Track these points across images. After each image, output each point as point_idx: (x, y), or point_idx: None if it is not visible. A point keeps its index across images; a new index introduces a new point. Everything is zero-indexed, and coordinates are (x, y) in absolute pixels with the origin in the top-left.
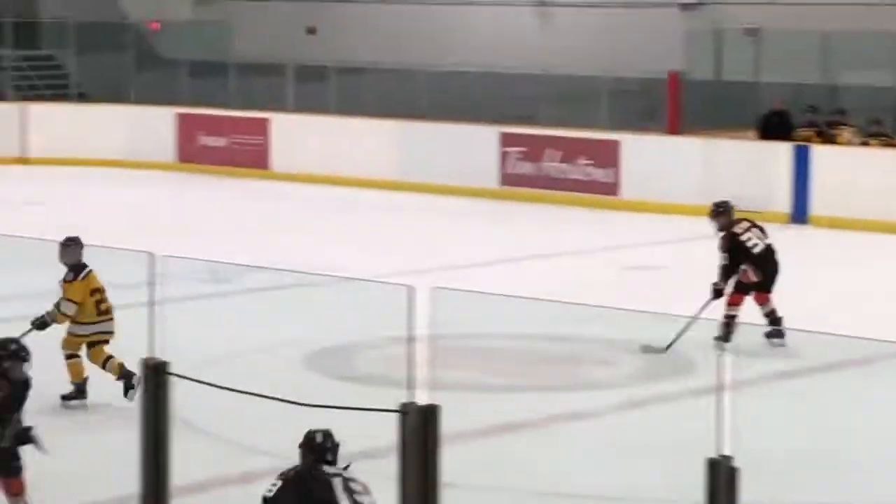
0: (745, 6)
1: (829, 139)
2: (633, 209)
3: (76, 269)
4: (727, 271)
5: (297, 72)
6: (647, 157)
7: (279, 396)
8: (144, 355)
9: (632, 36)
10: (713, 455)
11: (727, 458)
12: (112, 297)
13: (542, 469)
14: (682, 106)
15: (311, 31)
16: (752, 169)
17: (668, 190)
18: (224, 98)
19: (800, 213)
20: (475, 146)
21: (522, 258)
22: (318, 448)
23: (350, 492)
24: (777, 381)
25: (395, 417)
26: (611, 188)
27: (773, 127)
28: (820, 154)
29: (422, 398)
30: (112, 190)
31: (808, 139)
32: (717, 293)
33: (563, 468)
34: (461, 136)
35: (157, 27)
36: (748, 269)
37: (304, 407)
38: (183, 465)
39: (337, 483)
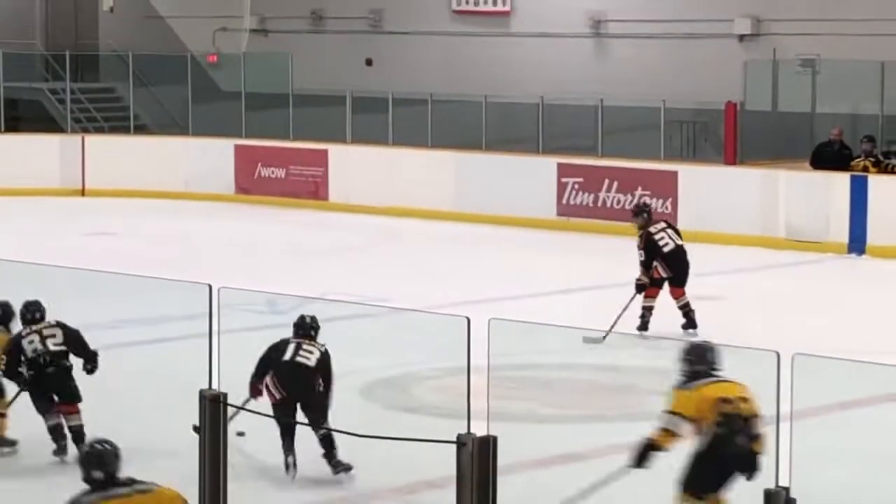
0: (802, 37)
1: (886, 169)
2: (690, 239)
3: None
4: (645, 267)
5: (355, 103)
6: (704, 187)
7: (337, 427)
8: (203, 386)
9: (689, 67)
10: (771, 486)
11: (785, 490)
12: (171, 328)
13: (599, 500)
14: (740, 136)
15: (369, 62)
16: (810, 199)
17: (725, 220)
18: (282, 129)
19: (857, 244)
20: (532, 177)
21: (579, 289)
22: (298, 325)
23: (298, 349)
24: (836, 412)
25: (452, 448)
26: (668, 218)
27: (827, 157)
28: (877, 184)
29: (479, 429)
30: (170, 221)
31: (865, 169)
32: (639, 288)
33: (619, 499)
34: (518, 167)
35: (215, 59)
36: (659, 265)
37: (361, 438)
38: (240, 496)
39: (291, 346)
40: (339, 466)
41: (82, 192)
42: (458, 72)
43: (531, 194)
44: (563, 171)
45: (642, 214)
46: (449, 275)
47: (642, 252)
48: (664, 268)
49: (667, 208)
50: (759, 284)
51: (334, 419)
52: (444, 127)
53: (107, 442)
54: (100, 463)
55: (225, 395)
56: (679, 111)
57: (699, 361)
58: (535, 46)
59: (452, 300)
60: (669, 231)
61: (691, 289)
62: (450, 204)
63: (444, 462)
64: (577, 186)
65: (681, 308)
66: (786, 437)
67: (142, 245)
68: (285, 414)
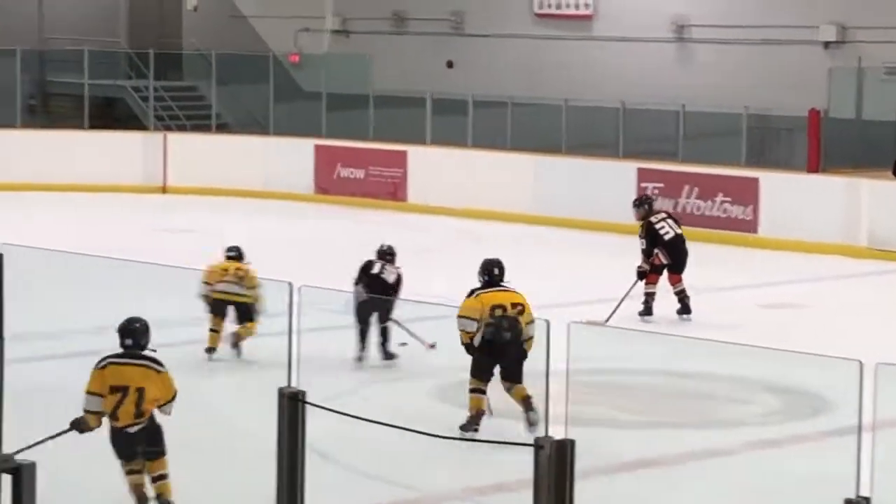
0: (888, 45)
1: None
2: (771, 247)
3: None
4: (646, 255)
5: (435, 104)
6: (785, 195)
7: (414, 428)
8: (281, 384)
9: (772, 73)
10: (851, 496)
11: (865, 500)
12: None
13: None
14: (823, 144)
15: (450, 64)
16: (893, 209)
17: (806, 228)
18: (362, 130)
19: None
20: (612, 181)
21: (659, 294)
22: (379, 251)
23: (382, 267)
24: None
25: (529, 451)
26: (749, 225)
27: None
28: None
29: (557, 433)
30: (250, 220)
31: None
32: (641, 274)
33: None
34: (598, 171)
35: (297, 59)
36: (660, 252)
37: (438, 439)
38: (316, 495)
39: (377, 265)
40: (387, 355)
41: (163, 189)
42: (538, 75)
43: (610, 199)
44: (643, 175)
45: (644, 206)
46: (527, 277)
47: (644, 241)
48: (664, 255)
49: (748, 215)
50: (840, 293)
51: (411, 420)
52: (523, 130)
53: (139, 320)
54: (131, 334)
55: (303, 393)
56: (761, 117)
57: (486, 273)
58: (616, 50)
59: (530, 303)
60: (670, 221)
61: (770, 297)
62: (528, 207)
63: (523, 465)
64: (657, 192)
65: (677, 294)
66: (867, 448)
67: (222, 243)
68: (367, 313)
